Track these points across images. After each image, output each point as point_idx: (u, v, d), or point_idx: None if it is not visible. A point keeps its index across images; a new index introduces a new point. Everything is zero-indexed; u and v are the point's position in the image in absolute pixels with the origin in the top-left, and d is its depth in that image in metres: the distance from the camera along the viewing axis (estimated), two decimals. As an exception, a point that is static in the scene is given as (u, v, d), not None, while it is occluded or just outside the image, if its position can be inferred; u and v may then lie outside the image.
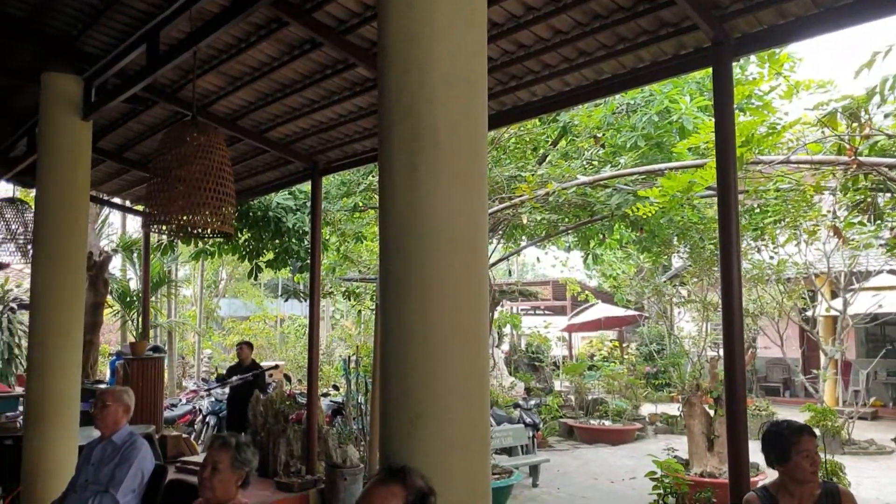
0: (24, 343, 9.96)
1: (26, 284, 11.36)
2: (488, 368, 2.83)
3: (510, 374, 14.72)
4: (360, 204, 10.40)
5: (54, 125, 5.57)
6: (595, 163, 8.88)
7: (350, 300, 11.72)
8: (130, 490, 3.73)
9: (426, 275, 2.68)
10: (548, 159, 9.46)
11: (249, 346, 9.20)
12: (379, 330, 2.88)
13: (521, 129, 9.19)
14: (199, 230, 4.46)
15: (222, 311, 18.69)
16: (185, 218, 4.19)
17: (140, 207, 9.40)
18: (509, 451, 8.94)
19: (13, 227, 7.86)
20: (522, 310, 19.59)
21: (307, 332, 7.59)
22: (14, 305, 11.45)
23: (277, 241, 9.33)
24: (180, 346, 16.58)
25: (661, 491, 7.10)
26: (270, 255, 9.42)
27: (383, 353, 2.79)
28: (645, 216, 7.86)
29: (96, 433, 4.20)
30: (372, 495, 2.06)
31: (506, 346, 17.04)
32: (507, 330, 17.17)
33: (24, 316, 10.59)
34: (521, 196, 7.90)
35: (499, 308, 14.34)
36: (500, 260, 10.52)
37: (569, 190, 8.35)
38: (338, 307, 18.70)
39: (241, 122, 6.76)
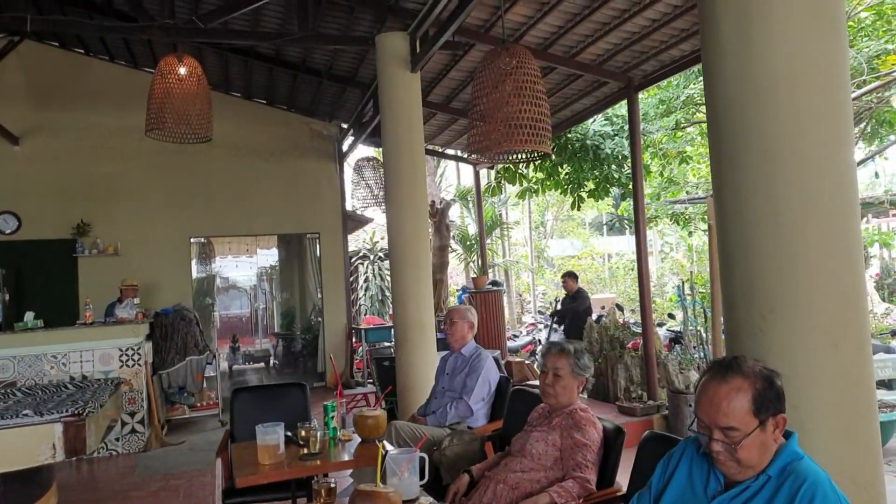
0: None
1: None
2: (859, 246, 2.30)
3: (882, 299, 12.42)
4: (683, 121, 9.63)
5: (390, 81, 6.19)
6: None
7: (679, 224, 11.05)
8: (480, 398, 4.03)
9: (766, 139, 2.27)
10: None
11: (573, 276, 9.30)
12: (715, 215, 2.54)
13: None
14: (518, 153, 4.53)
15: (551, 251, 19.39)
16: (502, 142, 4.27)
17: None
18: (888, 385, 7.53)
19: (371, 184, 9.10)
20: (896, 227, 16.29)
21: (635, 265, 7.34)
22: (381, 255, 13.38)
23: (597, 170, 9.16)
24: (517, 284, 17.74)
25: None
26: (591, 185, 9.31)
27: (721, 242, 2.46)
28: None
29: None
30: (714, 396, 1.79)
31: (875, 269, 14.41)
32: (874, 250, 14.50)
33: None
34: (890, 71, 6.37)
35: (863, 223, 12.14)
36: (864, 161, 8.78)
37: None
38: (666, 241, 17.93)
39: (551, 49, 6.69)
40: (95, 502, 5.00)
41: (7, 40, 8.50)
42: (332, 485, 2.47)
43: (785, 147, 2.27)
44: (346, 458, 3.09)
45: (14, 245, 8.62)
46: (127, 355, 6.45)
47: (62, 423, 3.80)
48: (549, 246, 19.60)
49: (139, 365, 6.49)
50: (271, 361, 11.12)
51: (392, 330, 7.43)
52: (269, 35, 6.79)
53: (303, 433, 3.14)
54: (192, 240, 9.68)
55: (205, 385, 7.55)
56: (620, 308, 9.85)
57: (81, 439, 3.91)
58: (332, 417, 3.34)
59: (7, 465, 3.73)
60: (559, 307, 9.21)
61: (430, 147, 10.00)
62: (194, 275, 11.49)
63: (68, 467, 5.96)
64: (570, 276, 9.23)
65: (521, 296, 17.52)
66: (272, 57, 8.26)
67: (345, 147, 10.03)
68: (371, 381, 7.97)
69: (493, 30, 6.47)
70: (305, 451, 3.09)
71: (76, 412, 3.89)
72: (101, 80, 8.79)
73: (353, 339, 9.58)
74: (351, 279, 11.98)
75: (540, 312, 14.08)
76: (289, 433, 3.20)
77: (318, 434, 3.11)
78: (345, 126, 9.95)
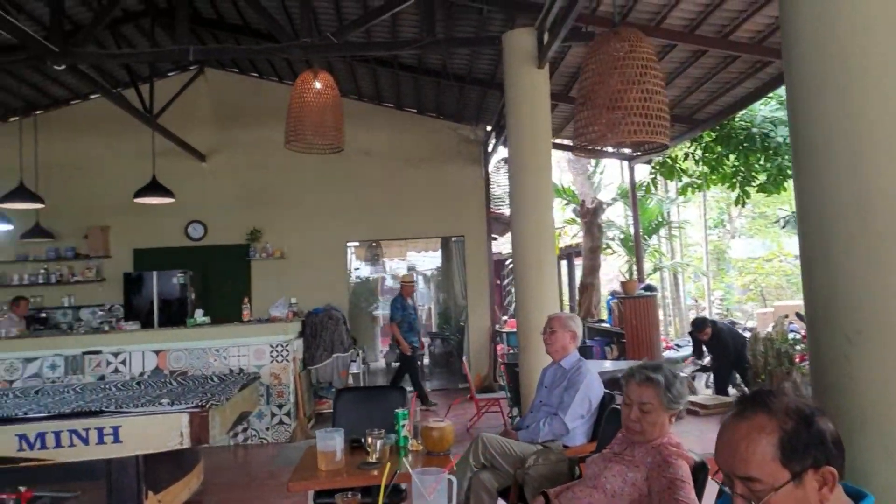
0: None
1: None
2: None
3: None
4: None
5: (516, 77, 6.02)
6: None
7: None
8: (578, 415, 3.72)
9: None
10: None
11: (700, 325, 7.69)
12: (797, 215, 2.08)
13: None
14: (629, 142, 4.14)
15: (735, 252, 17.69)
16: (608, 135, 3.93)
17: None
18: None
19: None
20: None
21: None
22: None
23: (769, 161, 8.17)
24: (693, 287, 16.44)
25: None
26: (762, 178, 8.31)
27: (801, 247, 2.00)
28: None
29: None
30: (731, 438, 1.41)
31: None
32: None
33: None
34: None
35: None
36: None
37: None
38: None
39: (699, 30, 6.09)
40: (236, 485, 5.43)
41: (196, 70, 9.64)
42: (358, 498, 2.40)
43: (876, 132, 1.78)
44: (411, 469, 3.00)
45: (201, 250, 9.74)
46: (277, 351, 6.95)
47: (188, 413, 4.17)
48: (731, 246, 17.90)
49: (287, 361, 6.96)
50: (425, 360, 11.40)
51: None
52: (392, 44, 6.95)
53: (368, 440, 3.11)
54: (348, 244, 10.23)
55: (350, 381, 7.90)
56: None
57: (205, 429, 4.25)
58: (403, 426, 3.27)
59: (144, 447, 4.16)
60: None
61: (565, 141, 9.60)
62: (363, 275, 12.14)
63: (225, 451, 6.55)
64: (697, 329, 7.68)
65: (696, 301, 16.21)
66: (415, 66, 8.45)
67: (489, 149, 10.00)
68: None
69: (630, 15, 6.04)
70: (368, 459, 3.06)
71: (201, 404, 4.23)
72: (269, 99, 9.61)
73: (497, 342, 9.50)
74: (506, 282, 11.90)
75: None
76: (360, 439, 3.19)
77: (379, 443, 3.06)
78: (489, 129, 9.92)
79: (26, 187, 7.48)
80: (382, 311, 12.08)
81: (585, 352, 7.43)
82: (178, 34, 6.37)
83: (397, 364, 8.71)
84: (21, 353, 6.81)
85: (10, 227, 6.01)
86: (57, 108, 9.64)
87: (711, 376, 8.54)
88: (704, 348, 7.90)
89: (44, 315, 8.86)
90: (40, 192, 7.72)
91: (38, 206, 7.63)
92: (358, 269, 11.79)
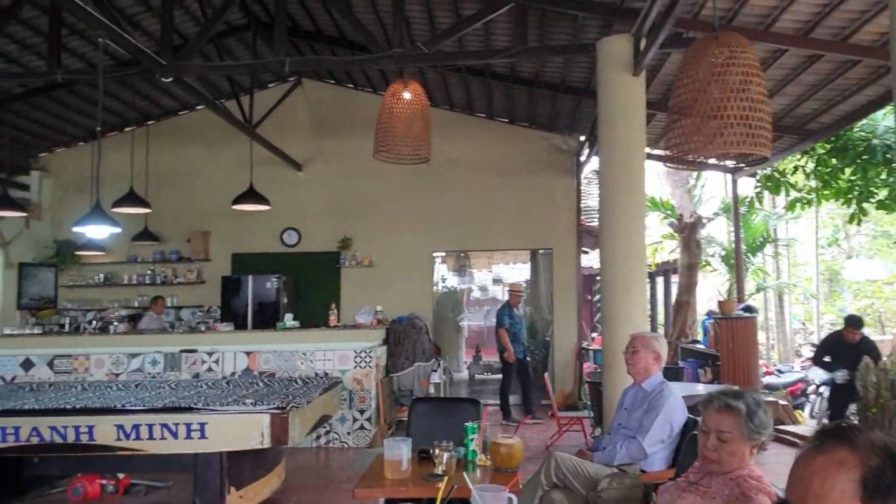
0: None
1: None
2: None
3: None
4: None
5: (610, 86, 5.84)
6: None
7: None
8: (658, 440, 3.50)
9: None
10: None
11: (854, 323, 7.24)
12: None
13: None
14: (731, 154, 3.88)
15: (849, 273, 16.35)
16: (705, 147, 3.71)
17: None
18: None
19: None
20: None
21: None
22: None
23: (891, 176, 7.49)
24: (801, 310, 15.32)
25: None
26: (882, 194, 7.63)
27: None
28: None
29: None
30: (804, 471, 1.24)
31: None
32: None
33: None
34: None
35: None
36: None
37: None
38: None
39: (813, 33, 5.67)
40: (315, 487, 5.51)
41: (294, 81, 10.01)
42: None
43: None
44: (470, 484, 2.91)
45: (294, 256, 10.07)
46: (360, 357, 7.04)
47: (269, 414, 4.27)
48: (846, 267, 16.56)
49: (370, 367, 7.03)
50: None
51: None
52: (484, 53, 6.91)
53: (436, 452, 3.05)
54: (435, 253, 10.26)
55: (431, 391, 7.89)
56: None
57: (285, 430, 4.34)
58: (472, 440, 3.18)
59: (227, 444, 4.29)
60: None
61: (655, 152, 9.20)
62: (450, 285, 12.16)
63: (307, 452, 6.68)
64: (853, 325, 7.15)
65: (804, 325, 15.08)
66: (507, 75, 8.39)
67: (583, 159, 9.76)
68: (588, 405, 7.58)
69: (736, 19, 5.71)
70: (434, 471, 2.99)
71: (282, 406, 4.33)
72: (363, 109, 9.80)
73: (583, 360, 9.22)
74: (596, 297, 11.55)
75: (812, 344, 11.97)
76: (429, 450, 3.13)
77: (445, 456, 2.99)
78: (583, 139, 9.69)
79: (136, 193, 7.98)
80: (467, 321, 12.05)
81: (677, 374, 7.05)
82: (276, 46, 6.62)
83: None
84: (127, 348, 7.24)
85: (118, 230, 6.41)
86: (167, 119, 10.28)
87: (819, 403, 7.89)
88: (826, 358, 7.20)
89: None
90: (149, 197, 8.23)
91: (147, 210, 8.13)
92: (445, 279, 11.82)
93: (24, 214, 8.74)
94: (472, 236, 9.96)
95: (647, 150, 9.46)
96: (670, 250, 12.44)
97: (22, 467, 4.95)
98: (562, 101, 8.75)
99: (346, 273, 9.99)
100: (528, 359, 8.53)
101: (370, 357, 7.04)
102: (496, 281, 12.27)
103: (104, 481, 5.22)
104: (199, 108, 10.11)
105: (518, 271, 12.13)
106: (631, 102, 5.80)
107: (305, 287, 9.98)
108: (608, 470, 3.42)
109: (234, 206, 8.42)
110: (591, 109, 8.59)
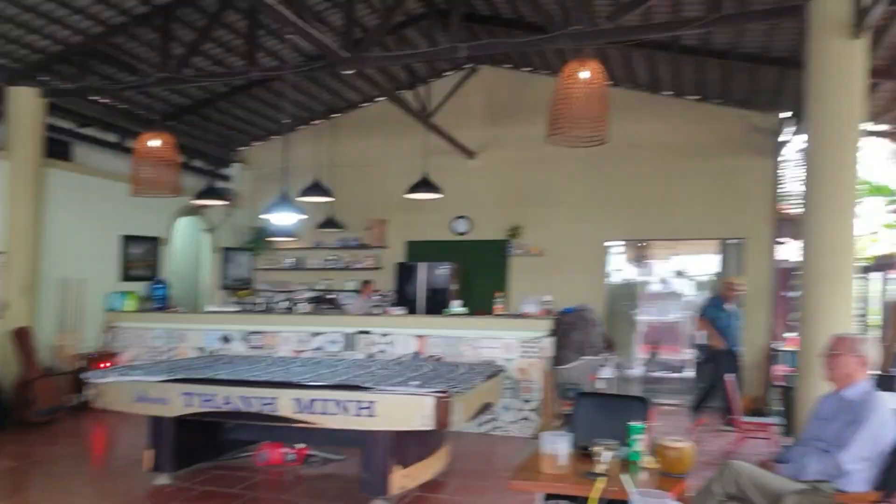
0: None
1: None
2: None
3: None
4: None
5: (822, 52, 5.17)
6: None
7: None
8: (860, 457, 2.99)
9: None
10: None
11: None
12: None
13: None
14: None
15: None
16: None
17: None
18: None
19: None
20: None
21: None
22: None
23: None
24: None
25: None
26: None
27: None
28: None
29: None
30: None
31: None
32: None
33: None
34: None
35: None
36: None
37: None
38: None
39: None
40: (477, 473, 5.50)
41: (469, 68, 10.08)
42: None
43: None
44: (630, 487, 2.68)
45: (464, 244, 10.19)
46: (526, 347, 6.93)
47: (433, 397, 4.33)
48: None
49: (536, 357, 6.89)
50: (686, 373, 10.45)
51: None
52: (672, 24, 6.36)
53: (596, 449, 2.86)
54: (607, 243, 9.82)
55: (601, 386, 7.56)
56: None
57: (446, 414, 4.38)
58: (637, 440, 2.94)
59: (392, 424, 4.42)
60: None
61: (879, 128, 7.94)
62: (625, 276, 11.63)
63: (471, 438, 6.71)
64: None
65: None
66: (698, 48, 7.72)
67: (784, 138, 8.75)
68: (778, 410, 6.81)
69: None
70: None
71: (445, 390, 4.37)
72: (539, 93, 9.56)
73: (775, 362, 8.31)
74: (792, 293, 10.40)
75: None
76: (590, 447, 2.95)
77: (607, 454, 2.78)
78: (786, 115, 8.69)
79: (320, 183, 8.54)
80: (644, 315, 11.40)
81: (890, 383, 6.11)
82: (452, 33, 6.66)
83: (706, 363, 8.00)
84: (310, 327, 7.77)
85: (304, 216, 6.88)
86: (350, 112, 10.87)
87: None
88: None
89: (332, 296, 10.06)
90: (333, 187, 8.75)
91: (330, 199, 8.67)
92: (620, 269, 11.29)
93: (227, 203, 9.71)
94: (651, 225, 9.37)
95: (868, 125, 8.32)
96: (894, 242, 10.86)
97: (219, 431, 5.50)
98: (762, 74, 7.90)
99: (514, 262, 9.92)
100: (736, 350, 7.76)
101: (536, 348, 6.91)
102: (678, 273, 11.48)
103: (285, 450, 5.62)
104: (378, 99, 10.55)
105: (702, 263, 11.25)
106: (848, 70, 5.07)
107: (474, 275, 10.06)
108: (796, 485, 3.00)
109: (407, 196, 8.68)
110: (796, 82, 7.60)
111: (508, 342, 6.98)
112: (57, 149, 8.00)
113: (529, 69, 10.07)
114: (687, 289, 11.00)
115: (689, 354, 10.57)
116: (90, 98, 8.28)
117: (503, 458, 6.06)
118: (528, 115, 9.61)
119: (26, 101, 7.43)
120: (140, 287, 9.06)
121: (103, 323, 8.46)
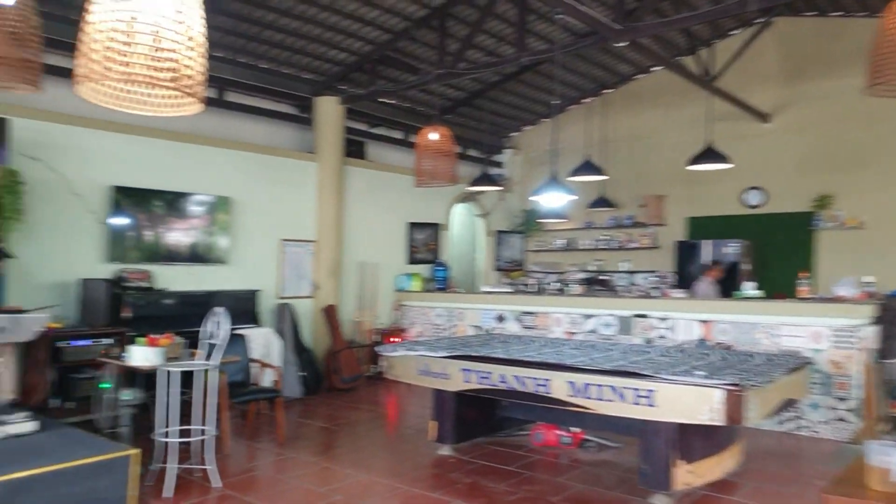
0: None
1: None
2: None
3: None
4: None
5: None
6: None
7: None
8: None
9: None
10: None
11: None
12: None
13: None
14: None
15: None
16: None
17: None
18: None
19: None
20: None
21: None
22: None
23: None
24: None
25: None
26: None
27: None
28: None
29: None
30: None
31: None
32: None
33: None
34: None
35: None
36: None
37: None
38: None
39: None
40: (778, 476, 4.79)
41: (762, 23, 8.89)
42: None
43: None
44: None
45: (758, 218, 9.06)
46: (840, 336, 5.87)
47: (723, 390, 3.87)
48: None
49: (854, 349, 5.80)
50: None
51: None
52: None
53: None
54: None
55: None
56: None
57: (739, 409, 3.88)
58: None
59: (675, 415, 4.06)
60: None
61: None
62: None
63: (770, 436, 5.92)
64: None
65: None
66: None
67: None
68: None
69: None
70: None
71: (737, 383, 3.87)
72: (852, 40, 8.12)
73: None
74: None
75: None
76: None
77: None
78: None
79: (591, 162, 8.26)
80: None
81: None
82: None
83: None
84: (583, 309, 7.57)
85: (574, 197, 6.68)
86: (622, 85, 10.35)
87: None
88: None
89: (604, 278, 9.73)
90: (604, 165, 8.40)
91: (602, 178, 8.34)
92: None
93: (500, 189, 9.96)
94: None
95: None
96: None
97: (495, 408, 5.62)
98: None
99: (823, 237, 8.51)
100: None
101: (854, 337, 5.79)
102: None
103: (561, 432, 5.52)
104: (652, 70, 9.89)
105: None
106: None
107: (770, 252, 8.88)
108: None
109: (690, 167, 7.95)
110: None
111: (817, 330, 5.97)
112: (353, 148, 8.94)
113: (840, 13, 8.54)
114: None
115: None
116: (379, 100, 9.10)
117: (810, 462, 5.21)
118: (840, 67, 8.24)
119: (329, 109, 8.41)
120: (424, 269, 9.76)
121: (393, 302, 9.30)
